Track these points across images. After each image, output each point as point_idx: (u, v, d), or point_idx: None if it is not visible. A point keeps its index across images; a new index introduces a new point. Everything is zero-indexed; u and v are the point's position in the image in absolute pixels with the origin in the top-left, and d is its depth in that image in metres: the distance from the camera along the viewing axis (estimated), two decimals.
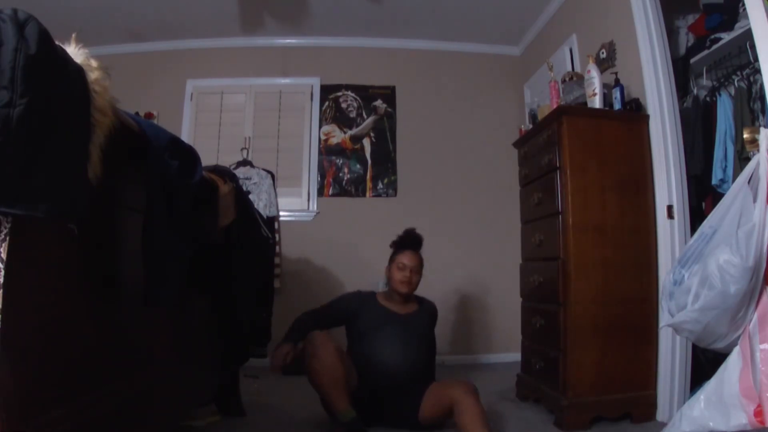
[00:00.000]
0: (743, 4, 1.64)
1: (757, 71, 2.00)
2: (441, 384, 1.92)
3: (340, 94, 3.74)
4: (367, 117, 3.73)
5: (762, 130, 1.30)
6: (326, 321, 2.06)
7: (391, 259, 2.12)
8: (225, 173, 1.81)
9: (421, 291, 2.15)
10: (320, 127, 3.69)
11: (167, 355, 1.43)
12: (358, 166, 3.66)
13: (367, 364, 1.94)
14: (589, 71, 2.24)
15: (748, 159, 1.59)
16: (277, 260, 3.13)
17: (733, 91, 2.23)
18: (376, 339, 1.97)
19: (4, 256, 0.73)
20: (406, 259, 2.07)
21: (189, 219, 1.31)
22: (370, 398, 1.92)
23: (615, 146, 2.13)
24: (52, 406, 0.86)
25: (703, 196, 2.34)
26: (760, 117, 2.09)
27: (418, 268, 2.08)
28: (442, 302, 3.45)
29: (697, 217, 2.19)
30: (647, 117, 2.18)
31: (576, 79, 2.40)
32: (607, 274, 2.03)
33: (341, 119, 3.71)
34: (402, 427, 1.89)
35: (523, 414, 2.16)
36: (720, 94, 2.26)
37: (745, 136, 1.37)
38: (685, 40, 2.70)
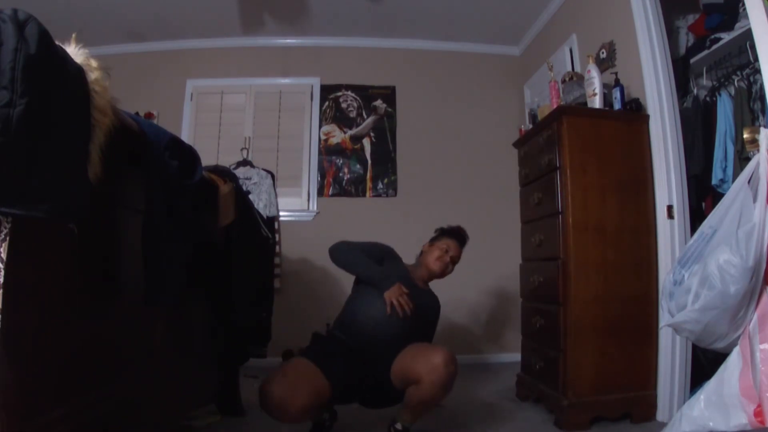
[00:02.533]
0: (743, 4, 1.64)
1: (757, 71, 2.00)
2: (416, 351, 1.72)
3: (340, 94, 3.74)
4: (367, 117, 3.73)
5: (762, 130, 1.29)
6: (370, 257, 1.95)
7: (434, 239, 2.09)
8: (225, 173, 1.81)
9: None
10: (320, 127, 3.69)
11: (167, 355, 1.43)
12: (358, 166, 3.65)
13: (358, 315, 1.84)
14: (589, 71, 2.24)
15: (748, 159, 1.59)
16: (277, 260, 3.13)
17: (733, 91, 2.23)
18: (375, 296, 1.84)
19: (4, 256, 0.73)
20: (452, 245, 2.04)
21: (189, 219, 1.32)
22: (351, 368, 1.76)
23: (615, 146, 2.13)
24: (52, 406, 0.86)
25: (703, 196, 2.34)
26: (760, 117, 2.09)
27: (457, 261, 2.06)
28: (442, 302, 3.45)
29: (697, 217, 2.19)
30: (647, 117, 2.18)
31: (576, 79, 2.40)
32: (607, 274, 2.02)
33: (341, 119, 3.71)
34: (378, 397, 1.81)
35: (523, 414, 2.16)
36: (720, 94, 2.26)
37: (745, 136, 1.37)
38: (685, 40, 2.70)
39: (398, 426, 1.73)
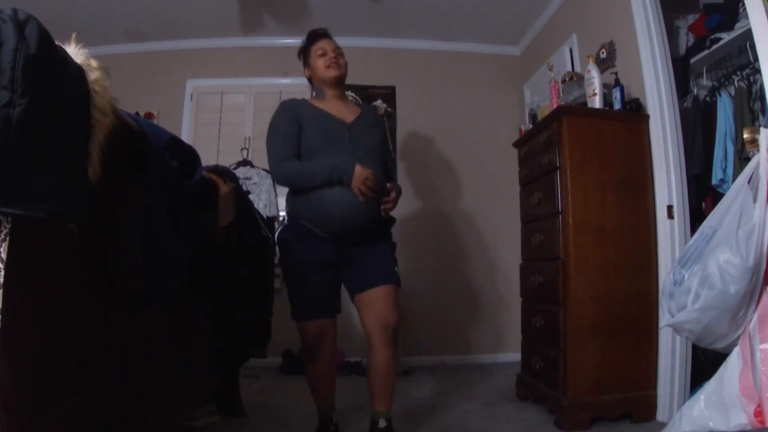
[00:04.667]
0: (743, 4, 1.64)
1: (757, 71, 2.00)
2: (370, 307, 1.71)
3: None
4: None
5: (762, 130, 1.30)
6: (297, 154, 1.71)
7: (306, 57, 1.87)
8: (225, 173, 1.81)
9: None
10: None
11: (167, 355, 1.43)
12: None
13: (318, 205, 1.64)
14: (589, 71, 2.24)
15: (748, 159, 1.59)
16: (277, 260, 3.13)
17: (733, 91, 2.23)
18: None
19: (4, 256, 0.73)
20: (323, 43, 1.83)
21: (189, 219, 1.32)
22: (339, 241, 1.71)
23: (615, 146, 2.13)
24: (52, 406, 0.86)
25: (703, 196, 2.34)
26: (760, 117, 2.09)
27: (341, 51, 1.85)
28: (442, 302, 3.46)
29: (697, 217, 2.19)
30: (647, 117, 2.18)
31: (576, 79, 2.40)
32: (607, 274, 2.02)
33: None
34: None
35: (523, 414, 2.16)
36: (720, 94, 2.26)
37: (745, 136, 1.37)
38: (685, 40, 2.70)
39: (382, 424, 1.69)
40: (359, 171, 1.61)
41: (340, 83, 1.85)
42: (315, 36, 1.89)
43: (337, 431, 1.86)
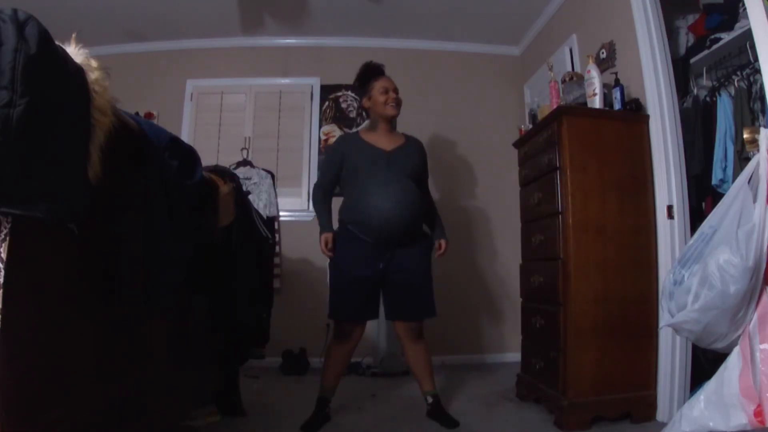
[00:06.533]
0: (743, 4, 1.64)
1: (757, 71, 2.00)
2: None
3: (340, 94, 3.74)
4: (367, 117, 3.72)
5: (762, 130, 1.30)
6: (334, 181, 2.13)
7: (368, 89, 2.15)
8: (225, 173, 1.81)
9: None
10: (320, 127, 3.69)
11: (167, 355, 1.43)
12: None
13: (360, 211, 1.95)
14: (589, 71, 2.24)
15: (748, 159, 1.59)
16: (277, 260, 3.13)
17: (733, 91, 2.23)
18: (365, 182, 1.98)
19: (4, 256, 0.73)
20: (386, 83, 2.14)
21: (189, 219, 1.32)
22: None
23: (615, 146, 2.13)
24: (52, 406, 0.86)
25: (703, 196, 2.34)
26: (760, 117, 2.09)
27: (397, 91, 2.16)
28: (442, 302, 3.45)
29: (697, 217, 2.19)
30: (647, 117, 2.18)
31: (576, 79, 2.40)
32: (607, 274, 2.02)
33: (341, 119, 3.71)
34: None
35: (523, 414, 2.16)
36: (720, 94, 2.26)
37: (745, 136, 1.37)
38: (685, 40, 2.70)
39: (429, 399, 2.05)
40: (323, 239, 2.03)
41: (392, 127, 2.18)
42: (377, 71, 2.19)
43: (329, 418, 2.03)
